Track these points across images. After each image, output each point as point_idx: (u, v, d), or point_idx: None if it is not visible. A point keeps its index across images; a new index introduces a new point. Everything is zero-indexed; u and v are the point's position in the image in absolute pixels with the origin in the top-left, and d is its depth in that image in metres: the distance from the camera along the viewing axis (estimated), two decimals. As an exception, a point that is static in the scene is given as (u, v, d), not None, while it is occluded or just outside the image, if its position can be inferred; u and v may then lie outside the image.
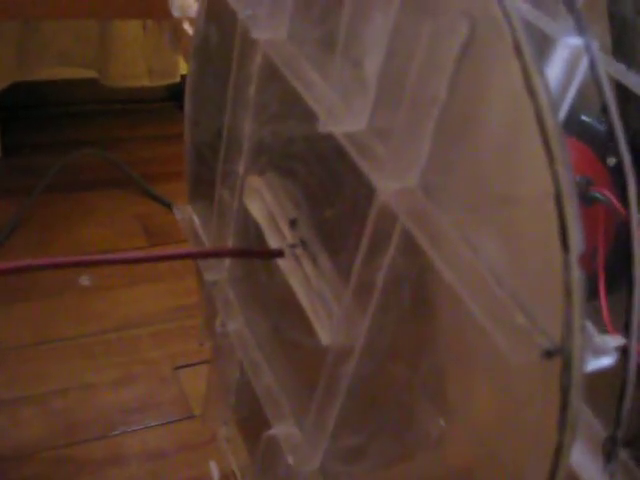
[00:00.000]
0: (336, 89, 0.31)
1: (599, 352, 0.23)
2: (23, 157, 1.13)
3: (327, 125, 0.30)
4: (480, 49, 0.23)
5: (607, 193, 0.32)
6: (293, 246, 0.37)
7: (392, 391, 0.32)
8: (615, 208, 0.31)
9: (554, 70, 0.27)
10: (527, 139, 0.22)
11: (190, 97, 0.51)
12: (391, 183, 0.27)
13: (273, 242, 0.39)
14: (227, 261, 0.48)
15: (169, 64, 1.20)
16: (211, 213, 0.48)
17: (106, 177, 1.12)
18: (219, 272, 0.48)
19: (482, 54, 0.23)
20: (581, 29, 0.27)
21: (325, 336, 0.34)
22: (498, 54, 0.22)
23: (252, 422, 0.49)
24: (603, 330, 0.29)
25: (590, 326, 0.23)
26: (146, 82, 1.20)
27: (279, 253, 0.38)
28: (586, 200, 0.33)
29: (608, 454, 0.27)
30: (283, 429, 0.39)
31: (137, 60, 1.17)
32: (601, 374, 0.23)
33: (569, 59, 0.27)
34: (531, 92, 0.21)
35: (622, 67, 0.31)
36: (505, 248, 0.24)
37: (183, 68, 1.20)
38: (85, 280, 0.92)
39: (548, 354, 0.21)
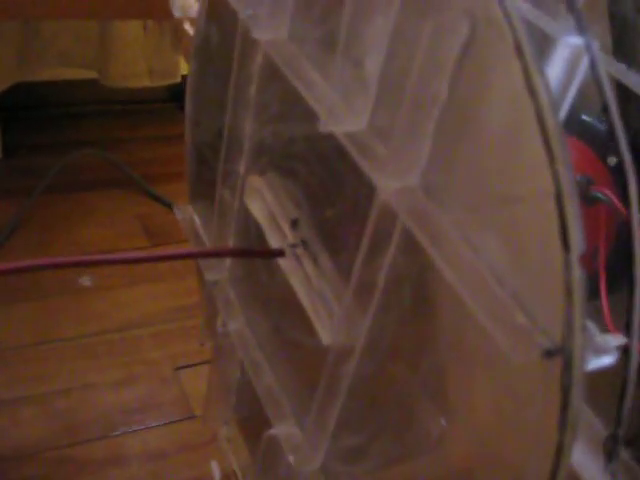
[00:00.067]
0: (337, 89, 0.31)
1: (600, 351, 0.23)
2: (23, 158, 1.13)
3: (328, 125, 0.30)
4: (481, 49, 0.23)
5: (608, 193, 0.32)
6: (294, 246, 0.37)
7: (393, 391, 0.32)
8: (616, 208, 0.31)
9: (555, 70, 0.27)
10: (528, 139, 0.22)
11: (191, 97, 0.51)
12: (392, 182, 0.27)
13: (274, 242, 0.39)
14: (228, 261, 0.48)
15: (170, 64, 1.20)
16: (212, 213, 0.48)
17: (106, 177, 1.12)
18: (220, 272, 0.48)
19: (483, 54, 0.23)
20: (581, 29, 0.27)
21: (326, 336, 0.34)
22: (499, 54, 0.22)
23: (253, 422, 0.49)
24: (604, 329, 0.29)
25: (591, 325, 0.23)
26: (147, 82, 1.20)
27: (280, 253, 0.38)
28: (587, 200, 0.33)
29: (609, 453, 0.27)
30: (284, 429, 0.39)
31: (137, 60, 1.17)
32: (602, 373, 0.23)
33: (569, 59, 0.27)
34: (532, 92, 0.21)
35: (623, 67, 0.31)
36: (506, 247, 0.24)
37: (184, 68, 1.20)
38: (86, 280, 0.92)
39: (549, 354, 0.21)
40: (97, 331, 0.86)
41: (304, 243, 0.37)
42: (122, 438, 0.74)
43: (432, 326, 0.28)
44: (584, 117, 0.35)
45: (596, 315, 0.30)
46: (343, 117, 0.30)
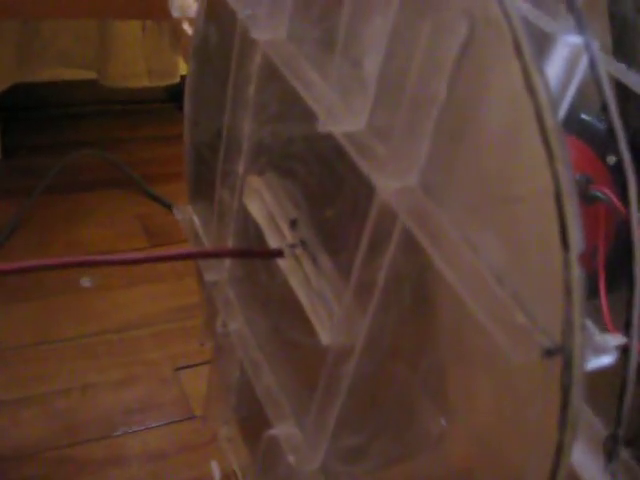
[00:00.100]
0: (336, 89, 0.31)
1: (599, 351, 0.23)
2: (23, 158, 1.13)
3: (327, 125, 0.30)
4: (480, 48, 0.23)
5: (607, 192, 0.32)
6: (293, 246, 0.37)
7: (393, 390, 0.32)
8: (615, 207, 0.31)
9: (554, 69, 0.27)
10: (527, 138, 0.22)
11: (190, 97, 0.51)
12: (391, 182, 0.27)
13: (273, 242, 0.39)
14: (227, 261, 0.48)
15: (169, 64, 1.20)
16: (211, 213, 0.48)
17: (106, 178, 1.12)
18: (219, 272, 0.48)
19: (482, 53, 0.23)
20: (581, 28, 0.27)
21: (325, 336, 0.34)
22: (498, 53, 0.22)
23: (253, 422, 0.49)
24: (603, 329, 0.29)
25: (590, 325, 0.23)
26: (146, 82, 1.20)
27: (279, 253, 0.38)
28: (586, 199, 0.33)
29: (609, 453, 0.27)
30: (284, 429, 0.39)
31: (137, 60, 1.17)
32: (601, 373, 0.23)
33: (569, 58, 0.27)
34: (531, 91, 0.21)
35: (622, 66, 0.31)
36: (505, 247, 0.24)
37: (183, 68, 1.20)
38: (86, 281, 0.92)
39: (548, 353, 0.21)
40: (97, 331, 0.86)
41: (303, 243, 0.37)
42: (122, 438, 0.74)
43: (432, 326, 0.28)
44: (583, 116, 0.35)
45: (595, 314, 0.30)
46: (342, 117, 0.30)
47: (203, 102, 0.50)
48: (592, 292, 0.31)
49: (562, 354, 0.21)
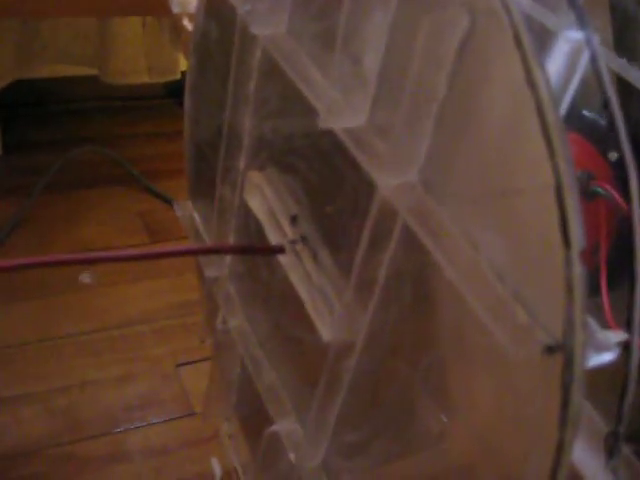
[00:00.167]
0: (336, 85, 0.31)
1: (601, 348, 0.23)
2: (23, 155, 1.13)
3: (327, 121, 0.30)
4: (480, 43, 0.23)
5: (609, 188, 0.32)
6: (294, 242, 0.37)
7: (393, 387, 0.32)
8: (617, 203, 0.31)
9: (555, 64, 0.27)
10: (528, 133, 0.21)
11: (190, 93, 0.51)
12: (391, 179, 0.27)
13: (274, 238, 0.39)
14: (228, 258, 0.48)
15: (169, 61, 1.20)
16: (212, 210, 0.47)
17: (107, 175, 1.12)
18: (220, 269, 0.48)
19: (482, 48, 0.23)
20: (582, 23, 0.27)
21: (326, 332, 0.34)
22: (498, 48, 0.22)
23: (254, 418, 0.49)
24: (605, 325, 0.29)
25: (592, 322, 0.23)
26: (146, 79, 1.20)
27: (280, 250, 0.38)
28: (587, 195, 0.33)
29: (610, 450, 0.26)
30: (285, 425, 0.39)
31: (137, 57, 1.16)
32: (602, 369, 0.23)
33: (570, 53, 0.27)
34: (532, 86, 0.21)
35: (623, 61, 0.31)
36: (506, 244, 0.23)
37: (183, 65, 1.20)
38: (86, 277, 0.92)
39: (549, 350, 0.21)
40: (98, 328, 0.86)
41: (304, 239, 0.37)
42: (124, 435, 0.74)
43: (433, 322, 0.28)
44: (585, 112, 0.35)
45: (597, 311, 0.30)
46: (342, 113, 0.30)
47: (203, 98, 0.50)
48: (593, 289, 0.31)
49: (563, 351, 0.21)
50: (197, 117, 0.51)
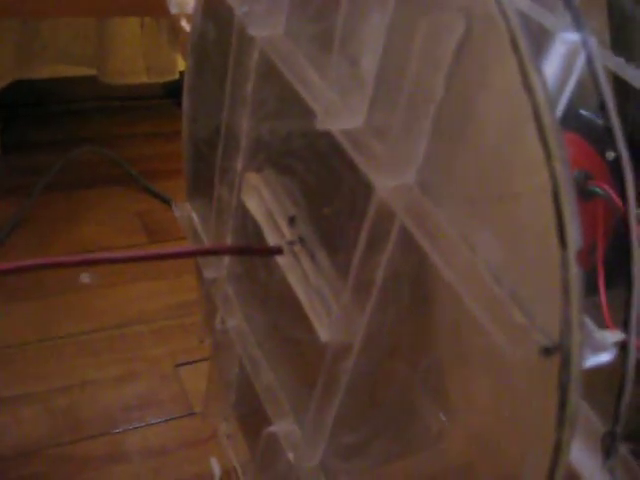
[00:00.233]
0: (333, 86, 0.31)
1: (598, 348, 0.23)
2: (23, 155, 1.13)
3: (324, 122, 0.30)
4: (477, 47, 0.23)
5: (606, 187, 0.32)
6: (291, 243, 0.37)
7: (391, 388, 0.32)
8: (614, 202, 0.31)
9: (552, 66, 0.27)
10: (524, 136, 0.21)
11: (188, 94, 0.51)
12: (389, 180, 0.27)
13: (272, 239, 0.39)
14: (226, 258, 0.48)
15: (167, 61, 1.20)
16: (210, 210, 0.48)
17: (106, 175, 1.12)
18: (218, 270, 0.48)
19: (479, 51, 0.23)
20: (578, 24, 0.27)
21: (324, 333, 0.34)
22: (495, 51, 0.22)
23: (252, 418, 0.49)
24: (603, 325, 0.29)
25: (589, 322, 0.23)
26: (144, 79, 1.20)
27: (278, 251, 0.38)
28: (585, 194, 0.33)
29: (607, 450, 0.27)
30: (283, 426, 0.40)
31: (135, 57, 1.16)
32: (599, 369, 0.23)
33: (566, 55, 0.27)
34: (528, 89, 0.21)
35: (621, 60, 0.31)
36: (503, 245, 0.23)
37: (181, 65, 1.20)
38: (86, 278, 0.92)
39: (546, 351, 0.21)
40: (97, 328, 0.86)
41: (302, 240, 0.37)
42: (123, 435, 0.74)
43: (430, 323, 0.28)
44: (582, 112, 0.35)
45: (595, 310, 0.30)
46: (340, 115, 0.30)
47: (201, 99, 0.50)
48: (591, 288, 0.31)
49: (560, 352, 0.21)
50: (195, 117, 0.51)
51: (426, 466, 0.31)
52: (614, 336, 0.25)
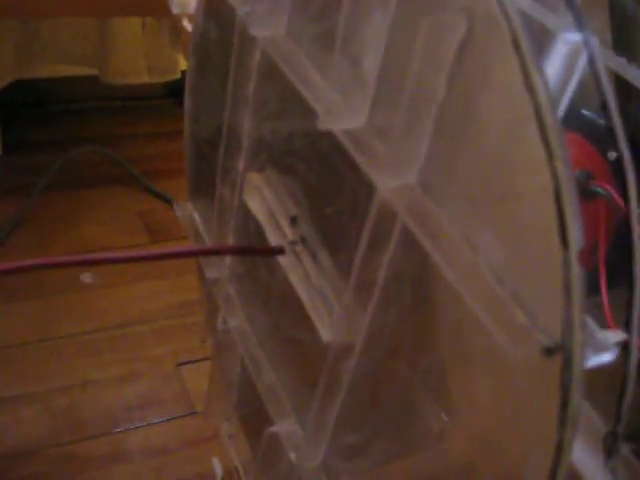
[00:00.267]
0: (335, 86, 0.31)
1: (600, 348, 0.23)
2: (23, 155, 1.13)
3: (326, 122, 0.30)
4: (479, 46, 0.23)
5: (608, 187, 0.32)
6: (293, 243, 0.37)
7: (393, 388, 0.32)
8: (616, 202, 0.31)
9: (554, 66, 0.27)
10: (526, 136, 0.21)
11: (190, 94, 0.51)
12: (391, 180, 0.27)
13: (273, 239, 0.39)
14: (228, 258, 0.48)
15: (169, 61, 1.20)
16: (212, 210, 0.48)
17: (107, 174, 1.12)
18: (220, 269, 0.48)
19: (481, 51, 0.23)
20: (580, 24, 0.27)
21: (326, 333, 0.34)
22: (497, 51, 0.22)
23: (254, 418, 0.49)
24: (604, 325, 0.29)
25: (591, 322, 0.23)
26: (146, 79, 1.20)
27: (280, 250, 0.38)
28: (586, 194, 0.33)
29: (609, 450, 0.27)
30: (285, 426, 0.40)
31: (137, 57, 1.16)
32: (601, 369, 0.23)
33: (568, 55, 0.27)
34: (530, 89, 0.21)
35: (622, 60, 0.31)
36: (505, 245, 0.23)
37: (183, 64, 1.20)
38: (87, 277, 0.92)
39: (548, 351, 0.21)
40: (98, 328, 0.86)
41: (304, 240, 0.37)
42: (124, 435, 0.74)
43: (432, 323, 0.28)
44: (584, 112, 0.35)
45: (596, 310, 0.30)
46: (341, 115, 0.30)
47: (203, 98, 0.50)
48: (593, 288, 0.31)
49: (562, 352, 0.21)
50: (197, 117, 0.51)
51: (428, 466, 0.31)
52: (616, 336, 0.25)
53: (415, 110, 0.26)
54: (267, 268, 0.41)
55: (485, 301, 0.23)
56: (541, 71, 0.21)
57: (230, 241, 0.46)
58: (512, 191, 0.23)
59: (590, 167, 0.34)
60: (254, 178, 0.41)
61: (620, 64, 0.31)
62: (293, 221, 0.38)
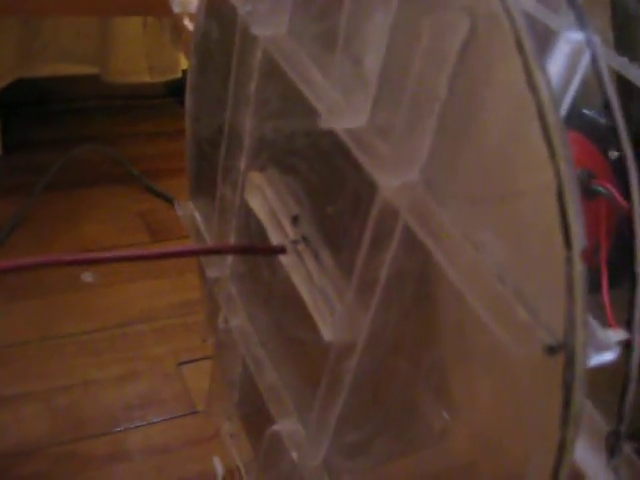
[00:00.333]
0: (337, 85, 0.31)
1: (602, 347, 0.23)
2: (24, 154, 1.13)
3: (328, 121, 0.30)
4: (481, 45, 0.23)
5: (609, 186, 0.32)
6: (295, 242, 0.37)
7: (395, 386, 0.32)
8: (617, 201, 0.31)
9: (556, 65, 0.27)
10: (529, 135, 0.21)
11: (191, 93, 0.51)
12: (393, 179, 0.27)
13: (275, 238, 0.39)
14: (229, 258, 0.48)
15: (170, 60, 1.20)
16: (213, 209, 0.48)
17: (107, 174, 1.12)
18: (221, 269, 0.48)
19: (483, 50, 0.23)
20: (582, 24, 0.27)
21: (327, 332, 0.34)
22: (499, 50, 0.22)
23: (256, 417, 0.49)
24: (606, 324, 0.29)
25: (593, 321, 0.23)
26: (147, 78, 1.20)
27: (281, 250, 0.38)
28: (588, 194, 0.33)
29: (611, 449, 0.27)
30: (286, 425, 0.40)
31: (138, 56, 1.17)
32: (603, 368, 0.23)
33: (570, 54, 0.27)
34: (533, 88, 0.21)
35: (624, 60, 0.31)
36: (507, 243, 0.23)
37: (184, 63, 1.20)
38: (88, 277, 0.92)
39: (551, 350, 0.21)
40: (99, 327, 0.86)
41: (305, 239, 0.37)
42: (125, 434, 0.74)
43: (434, 323, 0.28)
44: (585, 111, 0.35)
45: (598, 310, 0.30)
46: (343, 114, 0.30)
47: (204, 98, 0.50)
48: (594, 287, 0.31)
49: (564, 351, 0.21)
50: (198, 116, 0.51)
51: (429, 465, 0.31)
52: (618, 335, 0.25)
53: (417, 109, 0.26)
54: (268, 267, 0.41)
55: (487, 300, 0.23)
56: (544, 70, 0.21)
57: (231, 240, 0.46)
58: (514, 190, 0.23)
59: (591, 166, 0.34)
60: (255, 177, 0.41)
61: (622, 63, 0.31)
62: (295, 220, 0.38)
